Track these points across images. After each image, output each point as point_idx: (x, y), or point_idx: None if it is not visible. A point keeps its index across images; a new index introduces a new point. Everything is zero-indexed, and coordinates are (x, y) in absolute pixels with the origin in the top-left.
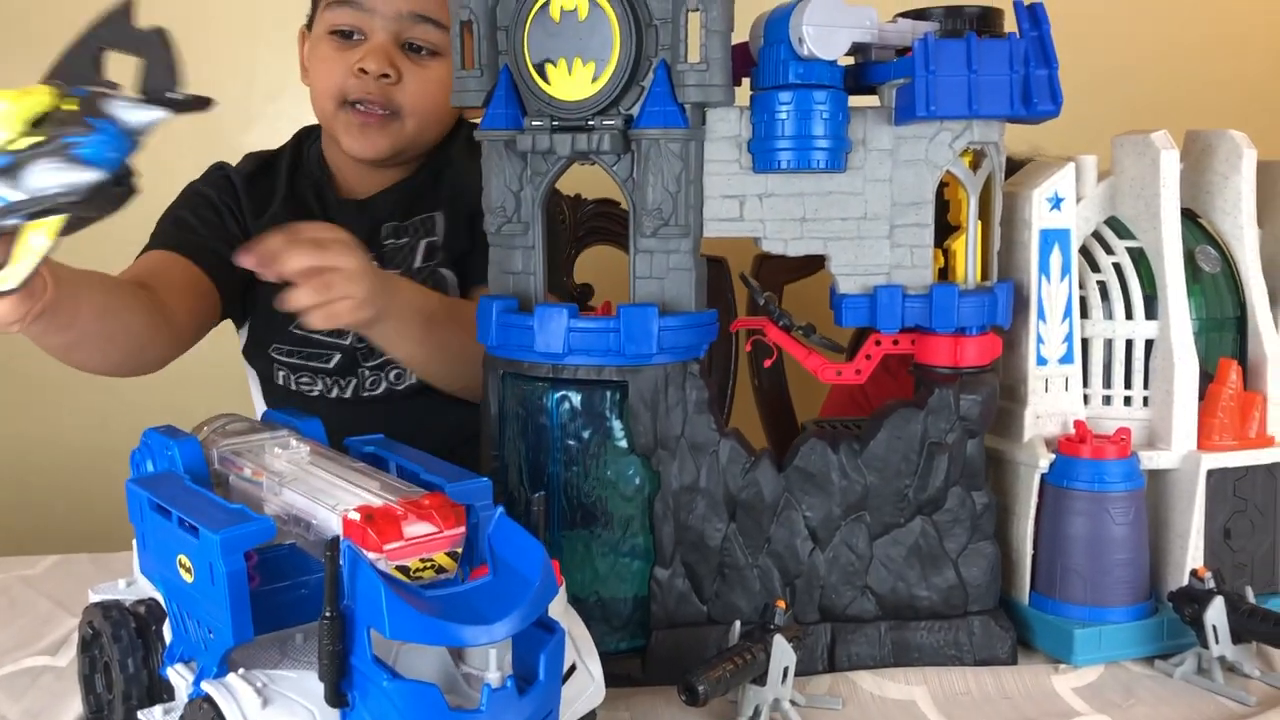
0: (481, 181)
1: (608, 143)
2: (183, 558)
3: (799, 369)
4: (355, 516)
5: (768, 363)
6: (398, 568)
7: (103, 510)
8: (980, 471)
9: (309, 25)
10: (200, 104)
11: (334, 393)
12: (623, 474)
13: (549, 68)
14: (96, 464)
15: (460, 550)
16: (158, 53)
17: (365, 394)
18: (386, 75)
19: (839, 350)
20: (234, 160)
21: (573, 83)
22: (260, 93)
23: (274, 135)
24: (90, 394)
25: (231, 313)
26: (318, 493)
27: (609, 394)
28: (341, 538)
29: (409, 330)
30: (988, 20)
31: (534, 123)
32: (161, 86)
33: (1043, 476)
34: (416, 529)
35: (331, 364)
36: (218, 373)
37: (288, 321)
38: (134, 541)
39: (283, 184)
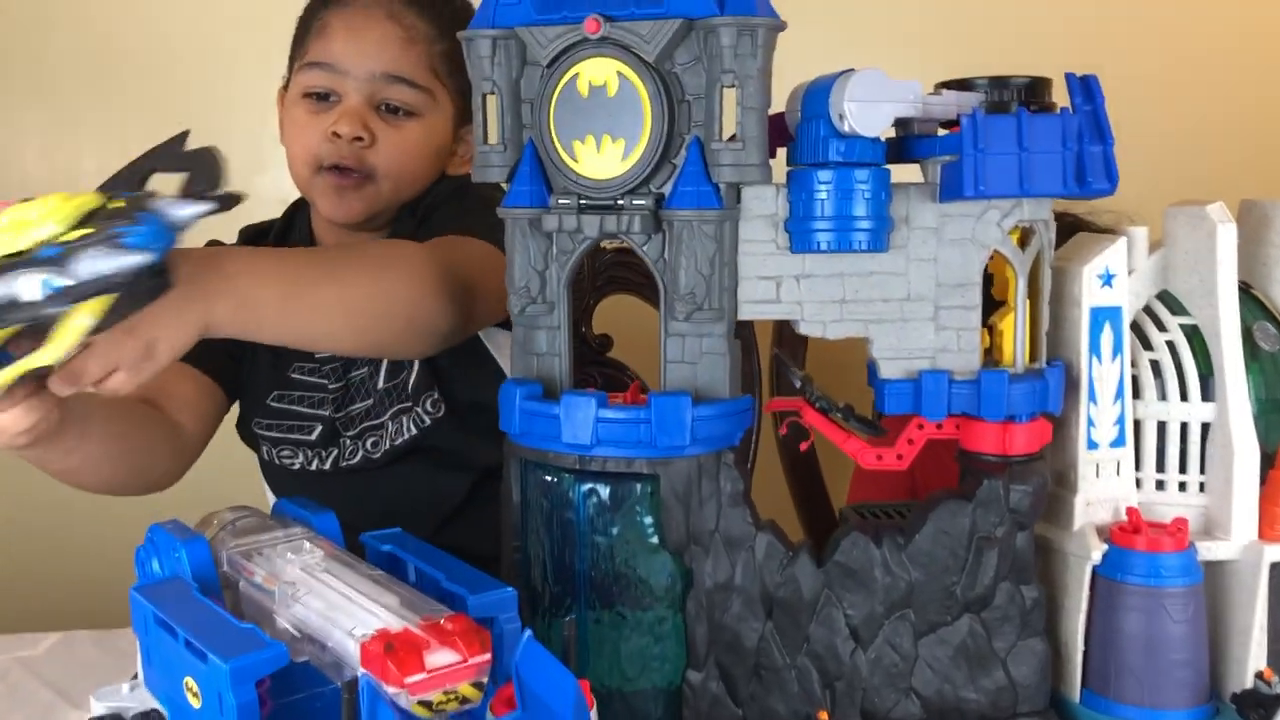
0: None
1: (638, 224)
2: (190, 681)
3: (829, 443)
4: (373, 643)
5: (804, 446)
6: (420, 703)
7: (104, 576)
8: (1030, 565)
9: (285, 87)
10: (234, 200)
11: (314, 464)
12: (654, 571)
13: (576, 144)
14: (98, 528)
15: (485, 680)
16: (205, 166)
17: (344, 464)
18: (360, 139)
19: (881, 433)
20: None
21: (602, 160)
22: (271, 136)
23: (285, 178)
24: None
25: (238, 398)
26: (333, 609)
27: (639, 487)
28: (360, 672)
29: (259, 313)
30: (1036, 91)
31: (560, 201)
32: (202, 189)
33: (1094, 568)
34: (440, 658)
35: (314, 435)
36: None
37: (266, 395)
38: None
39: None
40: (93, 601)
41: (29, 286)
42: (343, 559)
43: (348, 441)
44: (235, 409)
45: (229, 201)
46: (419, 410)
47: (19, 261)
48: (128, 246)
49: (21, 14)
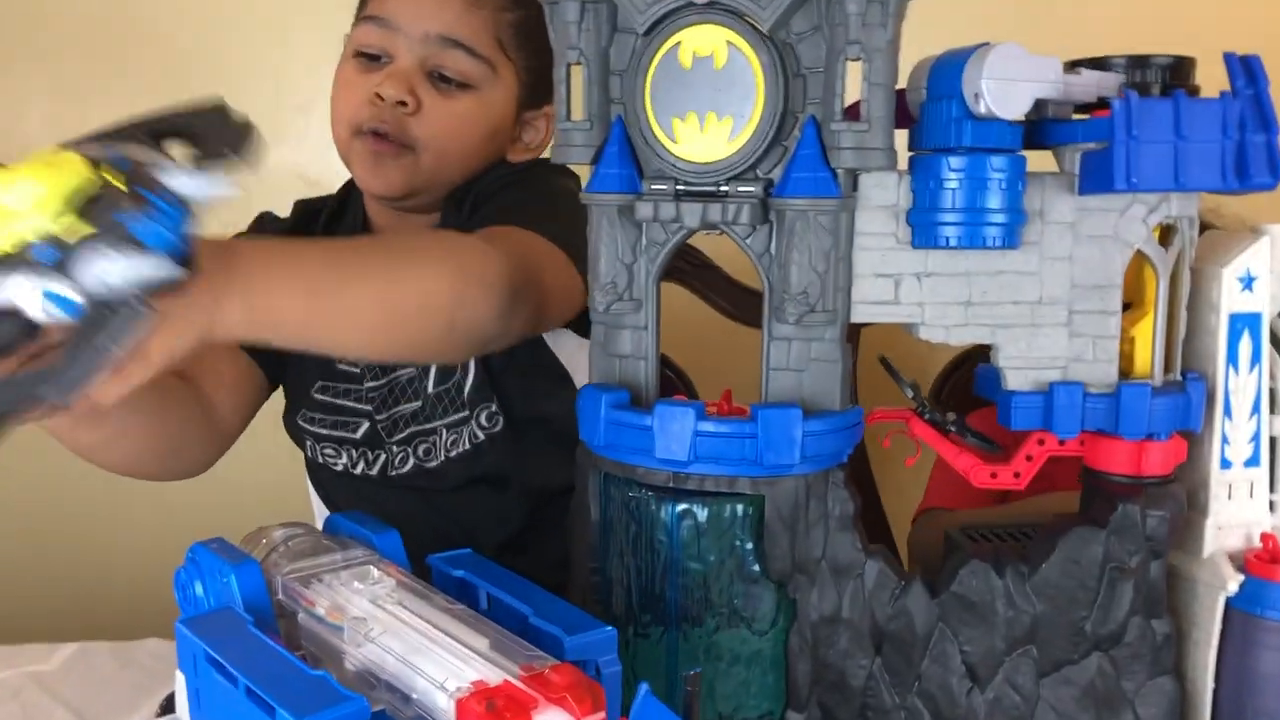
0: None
1: (746, 214)
2: None
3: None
4: (472, 700)
5: (910, 461)
6: None
7: (119, 583)
8: (1163, 597)
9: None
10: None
11: (359, 468)
12: (753, 602)
13: (676, 123)
14: (113, 532)
15: None
16: (221, 127)
17: (393, 472)
18: (404, 103)
19: (997, 449)
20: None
21: (705, 141)
22: (289, 105)
23: (304, 150)
24: None
25: (277, 382)
26: (415, 653)
27: (739, 509)
28: None
29: (276, 316)
30: (1180, 72)
31: (654, 186)
32: (219, 151)
33: (1228, 600)
34: (550, 719)
35: (359, 434)
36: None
37: (311, 385)
38: (180, 681)
39: (321, 232)
40: (108, 611)
41: (26, 295)
42: (415, 588)
43: (395, 447)
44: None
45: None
46: (475, 424)
47: (11, 261)
48: (141, 242)
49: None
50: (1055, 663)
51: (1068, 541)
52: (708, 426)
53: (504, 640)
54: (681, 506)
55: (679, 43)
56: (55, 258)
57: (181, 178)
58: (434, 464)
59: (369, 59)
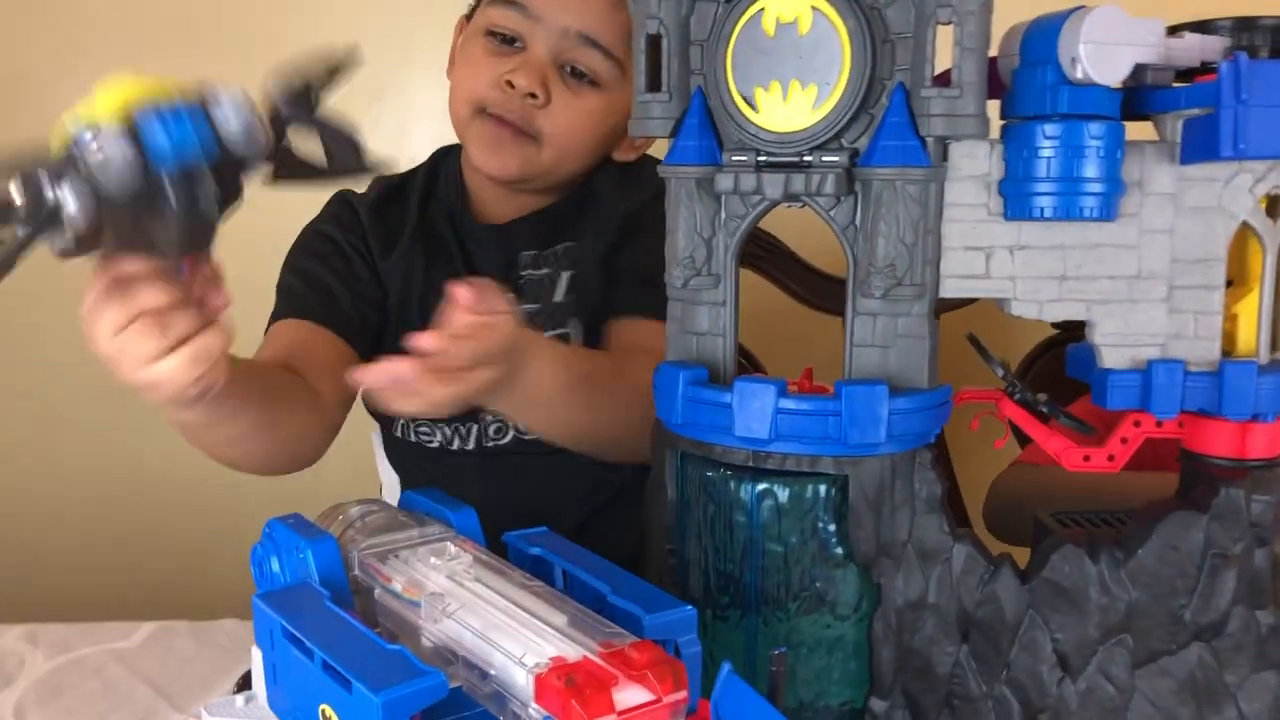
0: (624, 206)
1: (831, 185)
2: (328, 710)
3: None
4: (550, 675)
5: (999, 444)
6: None
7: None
8: (1268, 587)
9: (469, 16)
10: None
11: (455, 443)
12: (836, 586)
13: (758, 92)
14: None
15: None
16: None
17: (489, 443)
18: (534, 96)
19: (1090, 431)
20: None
21: (788, 110)
22: (363, 91)
23: (376, 137)
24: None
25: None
26: (493, 629)
27: (822, 489)
28: (535, 710)
29: (538, 401)
30: None
31: (735, 158)
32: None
33: None
34: (630, 696)
35: None
36: None
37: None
38: (256, 656)
39: (413, 212)
40: (187, 592)
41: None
42: (493, 565)
43: (490, 418)
44: None
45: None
46: None
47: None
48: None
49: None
50: (1152, 653)
51: (1166, 526)
52: (789, 404)
53: (583, 617)
54: (762, 486)
55: (762, 9)
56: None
57: (232, 118)
58: (532, 435)
59: (501, 41)
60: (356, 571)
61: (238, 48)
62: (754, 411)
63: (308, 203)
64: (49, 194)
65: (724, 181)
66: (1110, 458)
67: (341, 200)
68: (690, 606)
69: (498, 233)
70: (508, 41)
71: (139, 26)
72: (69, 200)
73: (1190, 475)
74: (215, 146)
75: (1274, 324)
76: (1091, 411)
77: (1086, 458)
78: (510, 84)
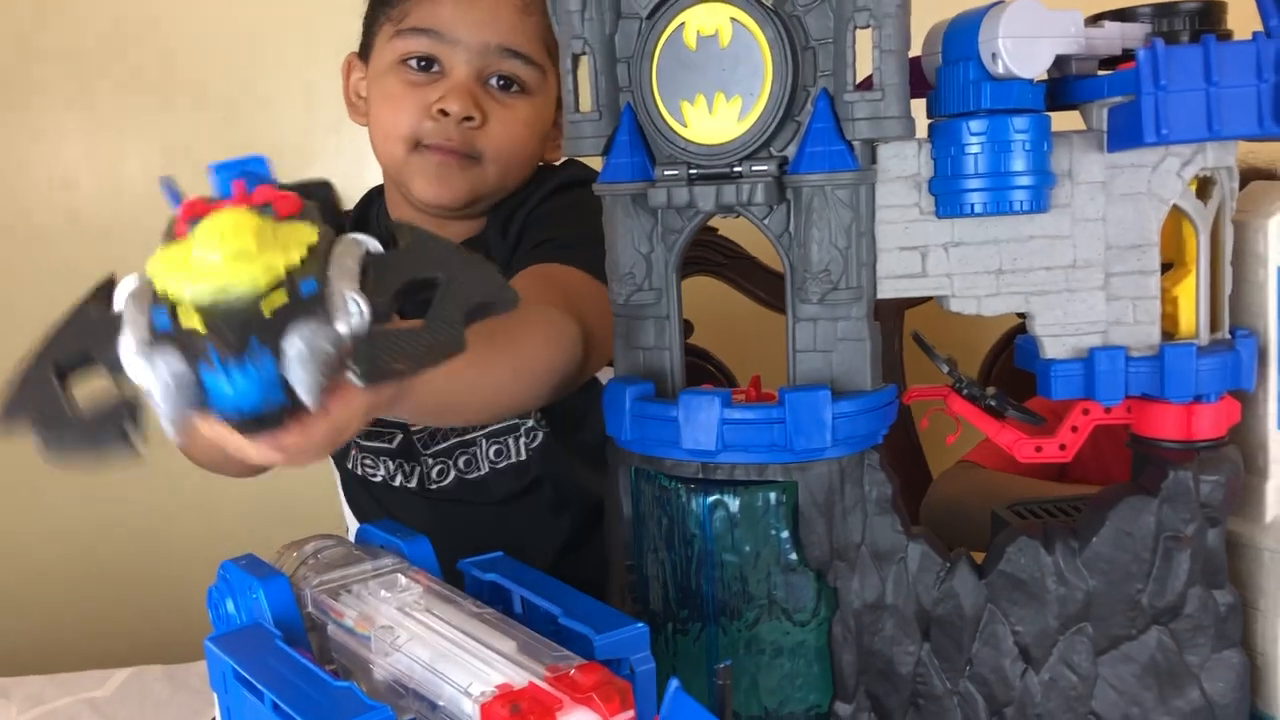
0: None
1: (761, 194)
2: None
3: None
4: (495, 704)
5: (951, 439)
6: None
7: (171, 607)
8: (1223, 566)
9: (361, 54)
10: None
11: (398, 480)
12: (793, 592)
13: (685, 106)
14: (165, 546)
15: None
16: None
17: (433, 485)
18: (470, 118)
19: (1039, 421)
20: None
21: (715, 123)
22: (321, 125)
23: (338, 169)
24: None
25: None
26: (441, 659)
27: (773, 496)
28: None
29: (427, 402)
30: (1210, 18)
31: (667, 172)
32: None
33: None
34: (576, 719)
35: (394, 444)
36: None
37: None
38: (215, 700)
39: None
40: (160, 635)
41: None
42: (443, 594)
43: (432, 459)
44: None
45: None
46: (518, 434)
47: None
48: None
49: (60, 15)
50: (1112, 639)
51: (1118, 513)
52: (734, 414)
53: (532, 642)
54: (713, 497)
55: (683, 23)
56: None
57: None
58: (475, 476)
59: (418, 69)
60: (310, 608)
61: (196, 92)
62: (700, 423)
63: None
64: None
65: (657, 196)
66: (1062, 447)
67: None
68: (642, 624)
69: None
70: (425, 68)
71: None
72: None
73: (1141, 460)
74: (284, 400)
75: (1215, 305)
76: (1047, 403)
77: (1039, 448)
78: (443, 111)
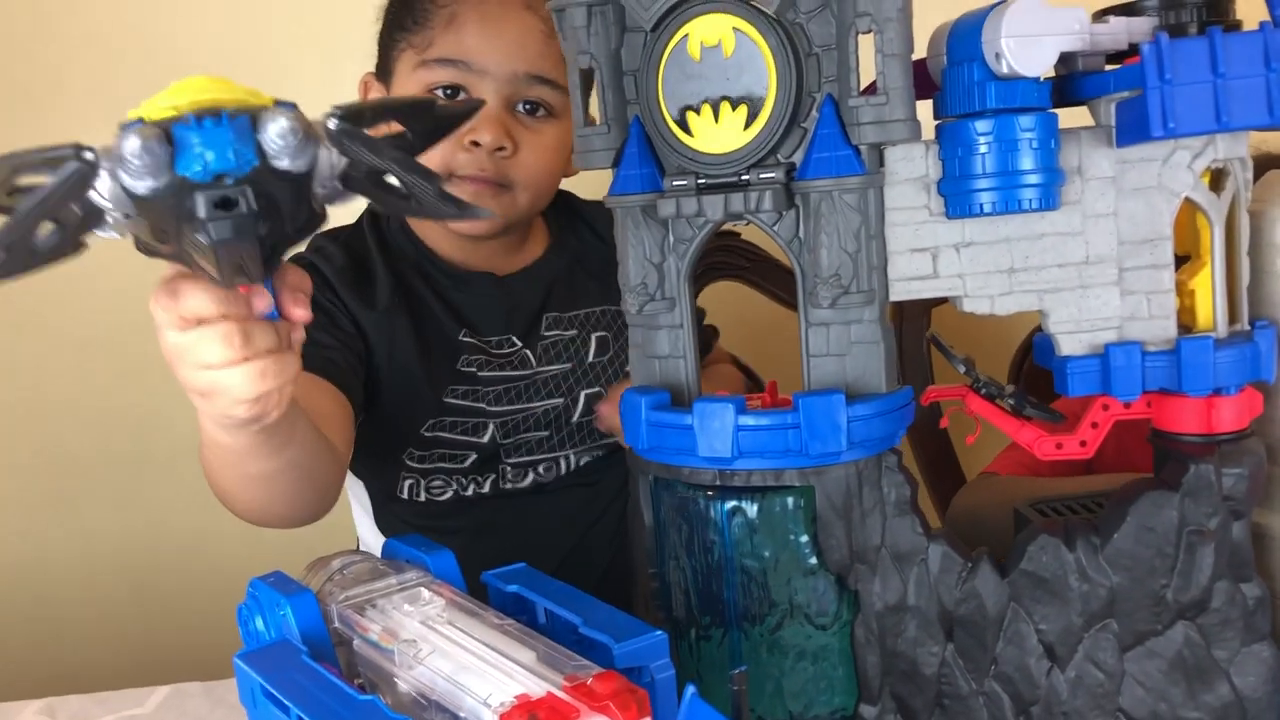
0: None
1: (769, 201)
2: None
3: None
4: (514, 714)
5: (970, 439)
6: None
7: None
8: (1249, 559)
9: (379, 74)
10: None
11: (469, 490)
12: (815, 596)
13: (690, 116)
14: (202, 564)
15: None
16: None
17: (507, 486)
18: (502, 148)
19: (1059, 419)
20: None
21: (721, 132)
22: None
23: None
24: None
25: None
26: (462, 671)
27: (791, 501)
28: None
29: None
30: (1217, 8)
31: (676, 183)
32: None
33: None
34: None
35: (466, 463)
36: None
37: (416, 426)
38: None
39: (382, 272)
40: (199, 651)
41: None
42: (466, 607)
43: (509, 469)
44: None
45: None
46: (598, 446)
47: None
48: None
49: (74, 27)
50: (1138, 635)
51: (1139, 508)
52: (749, 420)
53: (551, 653)
54: (731, 504)
55: (687, 35)
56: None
57: (276, 135)
58: (550, 479)
59: (446, 98)
60: (337, 624)
61: None
62: (715, 431)
63: None
64: (94, 189)
65: (666, 207)
66: (1083, 443)
67: (306, 263)
68: (660, 632)
69: (495, 285)
70: (453, 98)
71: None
72: (101, 191)
73: (1162, 455)
74: (250, 158)
75: (1232, 296)
76: (1070, 402)
77: (1059, 445)
78: (475, 143)
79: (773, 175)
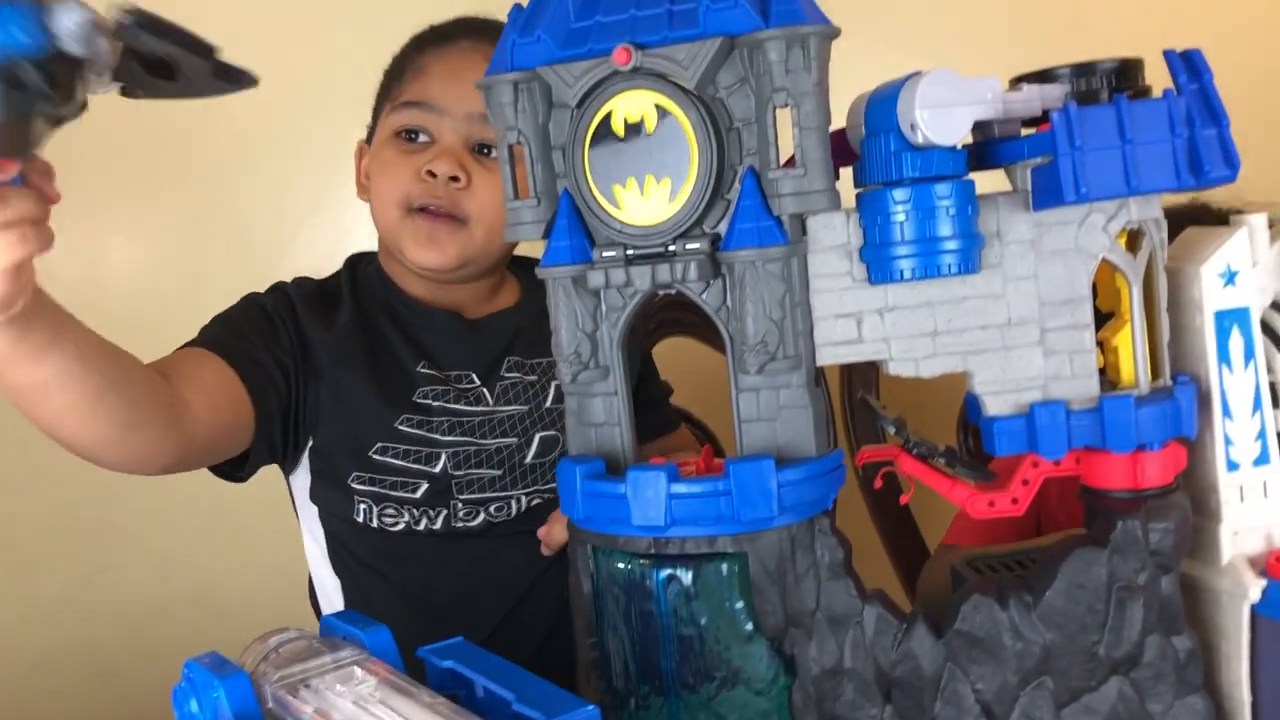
0: None
1: (695, 271)
2: None
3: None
4: None
5: (904, 499)
6: None
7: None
8: (1179, 612)
9: (368, 139)
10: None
11: (421, 524)
12: (751, 662)
13: (617, 189)
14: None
15: None
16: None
17: (458, 525)
18: (456, 179)
19: (990, 477)
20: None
21: (647, 205)
22: (297, 209)
23: (312, 254)
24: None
25: (270, 443)
26: None
27: (725, 567)
28: None
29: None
30: (1127, 75)
31: (605, 254)
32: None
33: (1253, 608)
34: None
35: (418, 494)
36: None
37: (365, 448)
38: None
39: (348, 298)
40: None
41: None
42: (400, 686)
43: (461, 505)
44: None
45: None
46: (553, 485)
47: None
48: None
49: None
50: (1073, 692)
51: (1070, 565)
52: (681, 488)
53: None
54: (666, 572)
55: (610, 111)
56: None
57: (66, 17)
58: (501, 519)
59: (409, 140)
60: (270, 704)
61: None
62: (648, 500)
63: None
64: None
65: (596, 278)
66: (1014, 500)
67: (277, 287)
68: (592, 706)
69: (461, 323)
70: (413, 139)
71: None
72: None
73: (1092, 511)
74: (44, 41)
75: (1154, 353)
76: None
77: (991, 503)
78: (431, 173)
79: (698, 246)
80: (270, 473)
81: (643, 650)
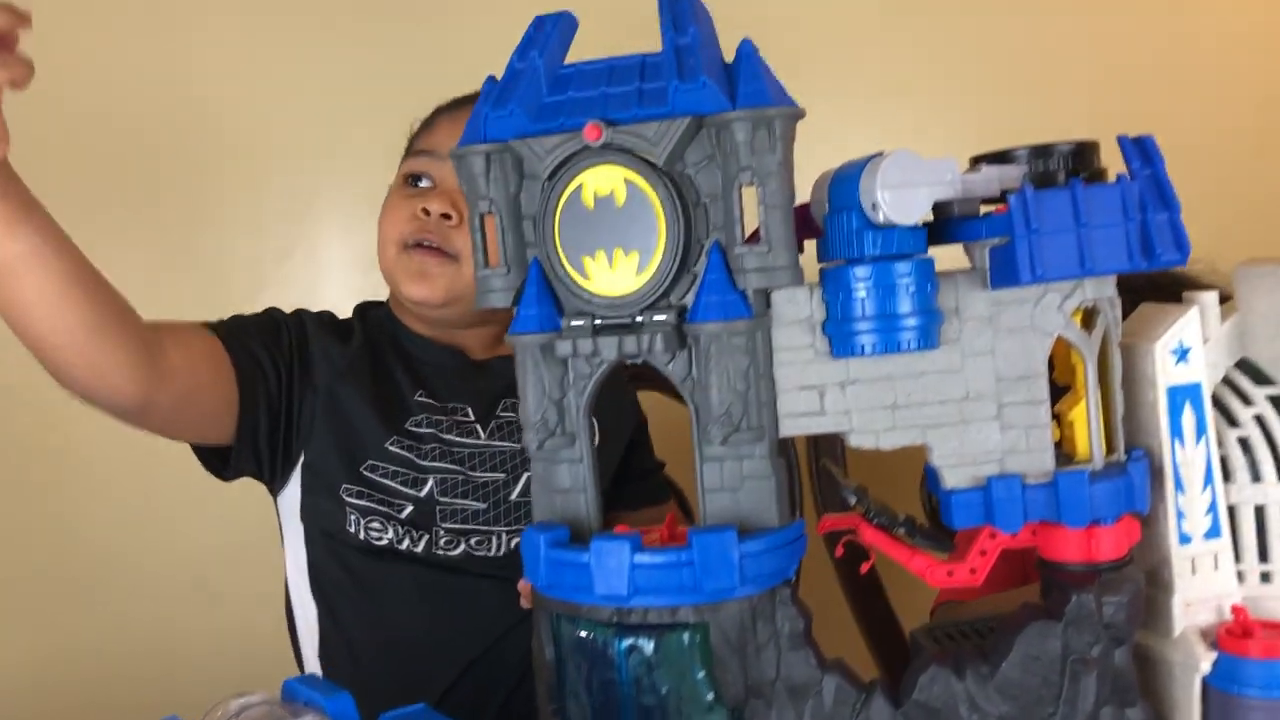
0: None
1: (661, 342)
2: None
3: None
4: None
5: (864, 567)
6: None
7: None
8: (1132, 684)
9: None
10: None
11: (404, 543)
12: None
13: (586, 260)
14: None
15: None
16: None
17: (438, 552)
18: (447, 216)
19: (949, 548)
20: None
21: (615, 276)
22: (271, 254)
23: (285, 298)
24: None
25: (254, 442)
26: None
27: (687, 637)
28: None
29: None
30: (1083, 157)
31: (573, 323)
32: None
33: (1204, 680)
34: None
35: (403, 514)
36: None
37: (358, 462)
38: None
39: (358, 332)
40: None
41: None
42: None
43: (442, 532)
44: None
45: None
46: None
47: None
48: None
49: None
50: None
51: (1025, 638)
52: (644, 558)
53: None
54: (628, 641)
55: (581, 185)
56: None
57: None
58: (481, 553)
59: (413, 185)
60: None
61: (140, 218)
62: (611, 569)
63: None
64: None
65: (563, 347)
66: (972, 570)
67: (296, 310)
68: None
69: (464, 361)
70: (417, 184)
71: None
72: None
73: (1048, 583)
74: None
75: (1108, 427)
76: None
77: (950, 573)
78: (425, 211)
79: (664, 318)
80: (246, 529)
81: (604, 718)
